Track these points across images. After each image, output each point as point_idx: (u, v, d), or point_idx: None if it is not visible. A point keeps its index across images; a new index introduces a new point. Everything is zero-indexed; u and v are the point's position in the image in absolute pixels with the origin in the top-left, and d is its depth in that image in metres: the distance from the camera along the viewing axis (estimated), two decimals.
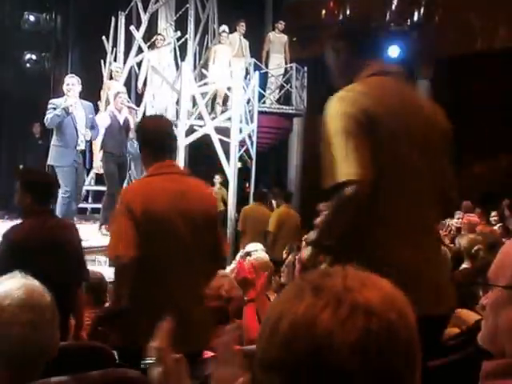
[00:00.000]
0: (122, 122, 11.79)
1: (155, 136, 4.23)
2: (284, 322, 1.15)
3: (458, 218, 12.04)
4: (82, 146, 10.56)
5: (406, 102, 3.37)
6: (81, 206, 13.90)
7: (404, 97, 3.41)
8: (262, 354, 1.19)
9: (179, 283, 4.03)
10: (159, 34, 15.56)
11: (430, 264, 3.15)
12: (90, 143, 12.05)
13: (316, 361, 1.11)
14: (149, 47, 15.58)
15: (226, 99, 16.09)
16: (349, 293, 1.15)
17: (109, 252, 4.11)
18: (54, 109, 10.23)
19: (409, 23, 18.80)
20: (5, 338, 2.23)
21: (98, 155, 11.43)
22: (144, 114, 14.78)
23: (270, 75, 17.57)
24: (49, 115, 10.22)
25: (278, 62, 17.70)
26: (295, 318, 1.14)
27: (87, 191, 14.47)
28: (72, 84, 10.50)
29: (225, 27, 16.44)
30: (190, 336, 3.77)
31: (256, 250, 8.67)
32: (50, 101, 10.48)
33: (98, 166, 11.46)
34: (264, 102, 17.38)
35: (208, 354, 4.28)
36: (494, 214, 14.07)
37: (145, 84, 15.22)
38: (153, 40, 15.53)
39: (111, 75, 14.63)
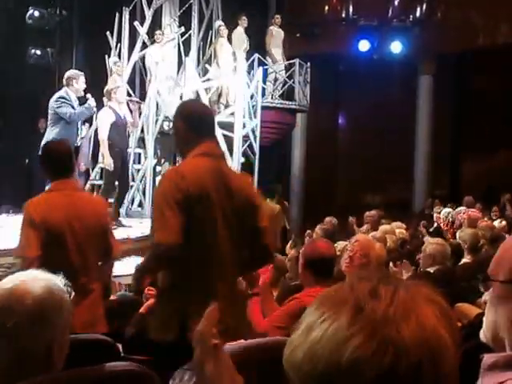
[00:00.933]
0: (123, 117, 11.84)
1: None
2: (312, 334, 1.13)
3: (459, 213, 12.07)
4: (78, 143, 10.60)
5: (219, 181, 3.98)
6: None
7: (218, 176, 4.00)
8: (289, 349, 1.18)
9: None
10: (159, 29, 15.59)
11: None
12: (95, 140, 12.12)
13: (336, 381, 1.10)
14: (153, 43, 15.62)
15: (228, 94, 16.12)
16: (387, 324, 1.12)
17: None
18: (71, 105, 10.23)
19: (411, 19, 18.84)
20: (21, 335, 2.24)
21: (107, 152, 11.41)
22: (147, 108, 14.87)
23: (271, 70, 17.57)
24: (69, 111, 10.19)
25: (278, 57, 17.72)
26: (322, 336, 1.12)
27: (92, 185, 14.52)
28: (86, 82, 10.57)
29: (220, 22, 16.46)
30: None
31: None
32: (61, 95, 10.38)
33: (109, 163, 11.43)
34: (271, 97, 17.43)
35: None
36: (494, 208, 14.11)
37: (148, 79, 15.27)
38: (156, 37, 15.55)
39: (113, 70, 14.67)
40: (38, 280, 2.35)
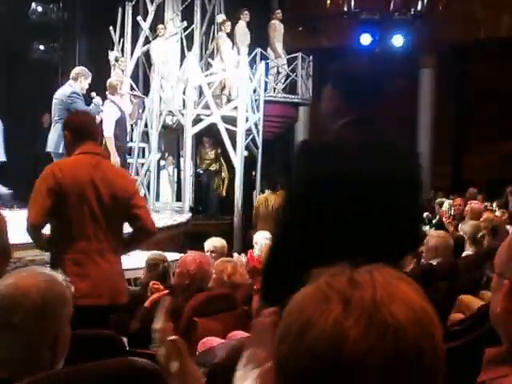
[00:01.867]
0: (125, 112, 11.85)
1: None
2: (311, 332, 1.12)
3: (459, 205, 12.10)
4: None
5: (94, 173, 4.66)
6: None
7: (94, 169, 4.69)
8: (283, 354, 1.16)
9: None
10: (161, 24, 15.60)
11: None
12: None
13: (341, 378, 1.09)
14: (155, 37, 15.64)
15: (231, 89, 16.14)
16: (379, 309, 1.11)
17: None
18: (82, 101, 10.26)
19: (412, 13, 18.82)
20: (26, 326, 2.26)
21: (114, 150, 11.36)
22: (151, 103, 14.90)
23: (274, 64, 17.58)
24: (84, 106, 10.19)
25: (280, 51, 17.72)
26: (324, 331, 1.11)
27: None
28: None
29: (223, 17, 16.47)
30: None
31: (266, 238, 8.81)
32: (74, 90, 10.32)
33: (116, 160, 11.42)
34: (273, 91, 17.45)
35: (235, 334, 4.39)
36: (497, 200, 14.11)
37: (151, 74, 15.30)
38: (156, 30, 15.58)
39: (116, 65, 14.70)
40: (40, 274, 2.39)
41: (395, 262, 3.28)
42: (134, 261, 7.94)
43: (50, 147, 10.31)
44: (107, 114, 11.45)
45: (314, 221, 3.04)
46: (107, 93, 11.95)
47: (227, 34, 16.18)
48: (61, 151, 10.18)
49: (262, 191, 15.49)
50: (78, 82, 10.39)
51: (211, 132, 15.08)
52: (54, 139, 10.20)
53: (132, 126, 14.34)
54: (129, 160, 14.27)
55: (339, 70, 3.61)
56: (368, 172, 3.10)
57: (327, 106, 3.50)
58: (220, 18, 16.48)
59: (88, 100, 10.66)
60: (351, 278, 1.17)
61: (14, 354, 2.28)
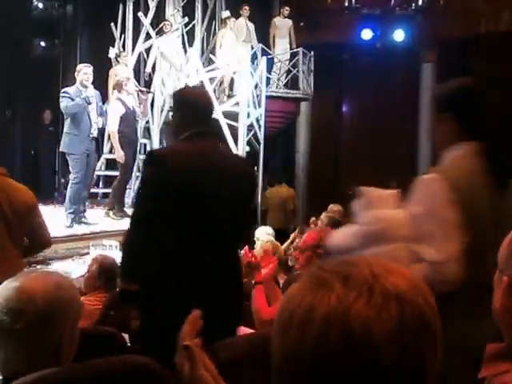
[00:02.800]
0: (132, 108, 11.92)
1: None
2: (317, 314, 1.11)
3: None
4: (94, 134, 10.69)
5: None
6: (92, 190, 14.08)
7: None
8: (289, 348, 1.15)
9: None
10: (166, 20, 15.60)
11: None
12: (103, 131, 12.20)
13: (353, 352, 1.09)
14: (157, 33, 15.63)
15: (232, 84, 16.16)
16: (378, 280, 1.14)
17: None
18: (70, 98, 10.36)
19: (414, 7, 18.79)
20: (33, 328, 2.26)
21: (118, 145, 11.47)
22: (153, 99, 14.91)
23: (276, 60, 17.60)
24: (68, 103, 10.34)
25: (284, 47, 17.73)
26: (329, 310, 1.11)
27: (98, 176, 14.59)
28: (90, 74, 10.64)
29: (227, 12, 16.48)
30: None
31: (267, 234, 8.83)
32: (63, 89, 10.59)
33: (121, 155, 11.50)
34: (275, 86, 17.47)
35: (238, 330, 4.41)
36: None
37: (153, 70, 15.29)
38: (160, 26, 15.57)
39: (118, 60, 14.70)
40: (46, 277, 2.38)
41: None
42: None
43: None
44: (111, 110, 11.55)
45: (152, 216, 3.83)
46: (115, 90, 12.03)
47: (229, 29, 16.19)
48: (61, 149, 10.51)
49: (271, 185, 15.97)
50: (77, 78, 10.55)
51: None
52: (64, 139, 10.56)
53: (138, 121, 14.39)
54: (140, 157, 14.34)
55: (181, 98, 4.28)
56: (199, 180, 3.89)
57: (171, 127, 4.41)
58: (224, 14, 16.49)
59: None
60: (344, 260, 1.21)
61: (15, 357, 2.27)
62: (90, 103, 10.45)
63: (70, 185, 10.54)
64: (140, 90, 13.33)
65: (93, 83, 10.82)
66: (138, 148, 14.92)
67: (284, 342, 1.16)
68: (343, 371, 1.10)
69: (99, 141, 11.00)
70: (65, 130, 10.55)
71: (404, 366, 1.11)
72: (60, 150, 10.68)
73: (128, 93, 11.88)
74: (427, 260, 2.82)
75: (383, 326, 1.09)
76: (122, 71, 13.93)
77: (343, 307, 1.10)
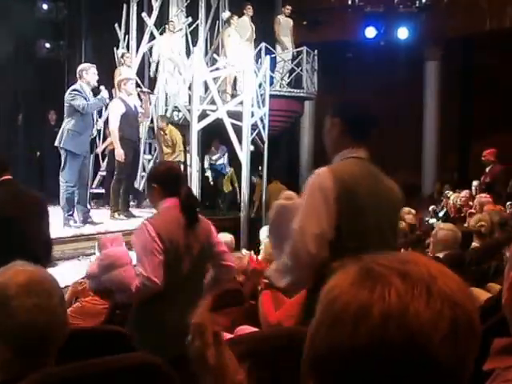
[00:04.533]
0: (133, 108, 11.91)
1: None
2: (375, 310, 1.10)
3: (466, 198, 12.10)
4: (94, 134, 10.71)
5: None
6: (96, 191, 14.11)
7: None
8: (339, 341, 1.13)
9: None
10: (171, 21, 15.63)
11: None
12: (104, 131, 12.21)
13: (409, 350, 1.09)
14: (160, 34, 15.67)
15: (236, 83, 16.17)
16: (436, 281, 1.13)
17: None
18: (83, 97, 10.34)
19: (417, 5, 18.79)
20: (12, 325, 2.24)
21: (118, 144, 11.48)
22: (156, 99, 14.94)
23: (280, 59, 17.61)
24: (83, 102, 10.31)
25: (287, 45, 17.74)
26: (389, 307, 1.10)
27: (103, 176, 14.62)
28: (97, 74, 10.66)
29: (227, 13, 16.51)
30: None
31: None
32: (73, 88, 10.49)
33: (120, 154, 11.50)
34: (279, 86, 17.49)
35: (243, 329, 4.42)
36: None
37: (157, 70, 15.33)
38: (164, 27, 15.61)
39: (121, 62, 14.73)
40: (36, 267, 2.37)
41: None
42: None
43: (56, 141, 10.55)
44: (111, 109, 11.56)
45: None
46: (113, 90, 12.05)
47: (233, 29, 16.21)
48: (61, 145, 10.40)
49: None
50: (82, 78, 10.54)
51: (217, 129, 15.09)
52: (59, 134, 10.45)
53: (140, 121, 14.41)
54: (146, 156, 14.37)
55: None
56: None
57: None
58: (225, 14, 16.51)
59: (98, 92, 10.79)
60: (400, 257, 1.19)
61: (38, 335, 2.26)
62: (106, 105, 10.52)
63: (64, 187, 10.42)
64: (141, 91, 13.35)
65: (98, 83, 10.84)
66: (143, 148, 14.96)
67: (333, 333, 1.14)
68: (394, 367, 1.09)
69: (95, 141, 10.99)
70: (68, 127, 10.38)
71: (450, 370, 1.11)
72: (61, 146, 10.40)
73: (128, 93, 11.87)
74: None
75: (440, 327, 1.10)
76: (124, 72, 13.96)
77: (402, 304, 1.10)
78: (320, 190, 3.45)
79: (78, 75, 10.64)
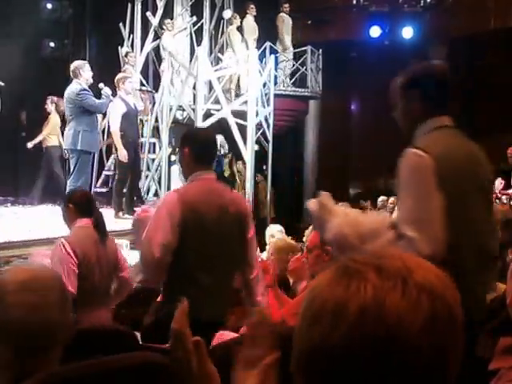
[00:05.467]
0: (133, 107, 11.87)
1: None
2: (351, 305, 1.10)
3: None
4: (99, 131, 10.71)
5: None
6: (101, 190, 14.10)
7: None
8: (319, 338, 1.12)
9: None
10: (167, 22, 15.64)
11: None
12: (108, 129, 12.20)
13: (385, 344, 1.09)
14: (163, 33, 15.68)
15: (240, 83, 16.17)
16: (411, 273, 1.13)
17: None
18: (92, 96, 10.34)
19: (422, 4, 18.79)
20: (7, 322, 2.24)
21: (120, 144, 11.45)
22: (161, 99, 14.93)
23: (284, 58, 17.61)
24: (96, 101, 10.30)
25: (288, 44, 17.75)
26: (365, 301, 1.10)
27: (107, 176, 14.61)
28: (92, 71, 10.65)
29: (229, 12, 16.51)
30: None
31: (280, 231, 8.82)
32: (82, 87, 10.40)
33: (124, 155, 11.47)
34: (283, 85, 17.50)
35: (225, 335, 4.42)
36: (507, 192, 14.00)
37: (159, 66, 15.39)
38: (166, 25, 15.63)
39: (125, 61, 14.74)
40: (40, 267, 2.38)
41: None
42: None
43: (66, 144, 10.50)
44: (112, 109, 11.52)
45: None
46: (116, 89, 12.03)
47: (236, 28, 16.23)
48: (79, 147, 10.34)
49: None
50: (79, 76, 10.46)
51: (221, 128, 15.10)
52: (70, 136, 10.38)
53: (142, 121, 14.38)
54: (150, 156, 14.34)
55: None
56: None
57: None
58: (227, 13, 16.50)
59: (97, 91, 10.74)
60: (376, 253, 1.20)
61: (39, 335, 2.25)
62: (111, 100, 10.52)
63: (72, 187, 10.38)
64: (141, 89, 13.33)
65: (102, 82, 10.83)
66: (147, 147, 14.96)
67: (313, 331, 1.14)
68: (375, 361, 1.09)
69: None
70: (82, 127, 10.31)
71: (431, 361, 1.10)
72: (78, 147, 10.37)
73: (127, 92, 11.84)
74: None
75: (417, 318, 1.09)
76: (127, 71, 13.97)
77: (378, 298, 1.10)
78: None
79: (72, 75, 10.56)
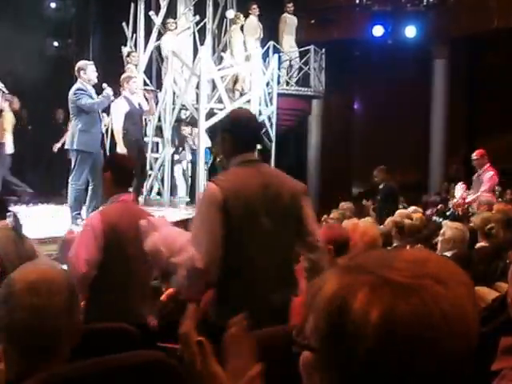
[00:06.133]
0: (138, 106, 11.89)
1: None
2: (374, 312, 1.08)
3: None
4: (103, 130, 10.70)
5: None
6: None
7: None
8: (347, 349, 1.10)
9: None
10: (171, 19, 15.65)
11: None
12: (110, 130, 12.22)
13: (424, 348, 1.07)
14: (165, 32, 15.68)
15: (244, 82, 16.17)
16: (424, 265, 1.12)
17: None
18: (88, 95, 10.34)
19: (425, 4, 18.78)
20: (11, 323, 2.27)
21: (121, 142, 11.48)
22: (164, 98, 14.94)
23: (287, 57, 17.63)
24: (89, 101, 10.32)
25: (290, 44, 17.76)
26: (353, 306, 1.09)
27: None
28: (96, 72, 10.65)
29: (232, 12, 16.52)
30: None
31: None
32: (77, 87, 10.46)
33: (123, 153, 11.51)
34: (286, 84, 17.50)
35: None
36: (508, 191, 14.04)
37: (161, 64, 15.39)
38: (169, 25, 15.64)
39: (127, 60, 14.74)
40: (53, 266, 2.39)
41: None
42: None
43: (66, 144, 10.60)
44: (115, 108, 11.53)
45: None
46: (121, 89, 12.04)
47: (239, 28, 16.24)
48: (75, 147, 10.36)
49: None
50: (82, 76, 10.48)
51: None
52: (69, 136, 10.47)
53: (146, 120, 14.38)
54: (153, 155, 14.33)
55: None
56: None
57: None
58: (230, 13, 16.50)
59: (101, 91, 10.74)
60: (413, 271, 1.15)
61: (43, 339, 2.28)
62: (111, 101, 10.52)
63: (74, 187, 10.40)
64: (145, 89, 13.35)
65: (105, 81, 10.84)
66: (151, 146, 14.97)
67: (329, 342, 1.13)
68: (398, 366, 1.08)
69: (103, 138, 10.93)
70: (79, 127, 10.29)
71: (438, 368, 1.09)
72: (74, 147, 10.42)
73: (131, 91, 11.85)
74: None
75: (427, 324, 1.07)
76: (131, 71, 13.98)
77: (386, 305, 1.08)
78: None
79: (76, 74, 10.61)
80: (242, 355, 1.65)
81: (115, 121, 11.60)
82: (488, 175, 11.71)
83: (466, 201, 11.89)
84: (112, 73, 12.44)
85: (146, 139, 14.26)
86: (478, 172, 11.89)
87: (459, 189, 12.71)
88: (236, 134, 4.10)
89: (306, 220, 4.12)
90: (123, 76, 12.18)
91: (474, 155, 11.98)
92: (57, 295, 2.27)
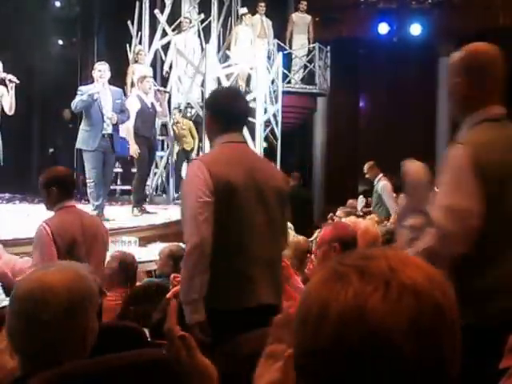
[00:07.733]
0: (150, 105, 11.97)
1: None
2: (332, 310, 1.11)
3: None
4: (108, 130, 10.70)
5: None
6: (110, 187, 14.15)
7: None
8: (306, 343, 1.15)
9: None
10: (185, 18, 15.65)
11: None
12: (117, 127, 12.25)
13: (370, 348, 1.08)
14: (173, 30, 15.68)
15: (249, 80, 16.17)
16: (395, 274, 1.12)
17: None
18: (81, 95, 10.46)
19: (430, 1, 18.74)
20: (10, 327, 2.31)
21: (132, 140, 11.53)
22: (170, 97, 14.95)
23: (293, 56, 17.64)
24: (75, 100, 10.50)
25: (301, 43, 17.75)
26: (345, 306, 1.10)
27: (116, 173, 14.64)
28: (104, 71, 10.71)
29: (244, 9, 16.51)
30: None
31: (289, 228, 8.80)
32: (79, 87, 10.70)
33: (134, 150, 11.55)
34: (289, 82, 17.49)
35: None
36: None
37: (170, 67, 15.33)
38: (177, 23, 15.64)
39: (135, 59, 14.75)
40: (65, 269, 2.39)
41: None
42: (153, 253, 8.06)
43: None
44: (128, 106, 11.59)
45: None
46: (134, 87, 12.14)
47: (245, 25, 16.23)
48: (77, 146, 10.65)
49: None
50: (99, 78, 10.67)
51: None
52: (79, 136, 10.69)
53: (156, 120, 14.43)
54: (158, 153, 14.35)
55: None
56: None
57: None
58: (242, 10, 16.50)
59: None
60: (363, 254, 1.19)
61: (36, 347, 2.29)
62: (95, 100, 10.48)
63: (88, 184, 10.64)
64: (158, 90, 13.37)
65: (110, 80, 10.87)
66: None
67: (301, 336, 1.16)
68: (360, 367, 1.08)
69: (114, 138, 10.93)
70: (81, 126, 10.70)
71: (423, 363, 1.09)
72: (76, 146, 10.90)
73: (145, 91, 11.93)
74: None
75: (400, 320, 1.08)
76: (138, 69, 13.99)
77: (359, 302, 1.09)
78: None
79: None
80: (284, 341, 1.63)
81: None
82: None
83: None
84: (117, 71, 12.44)
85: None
86: None
87: None
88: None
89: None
90: (139, 76, 12.30)
91: None
92: (51, 306, 2.27)
